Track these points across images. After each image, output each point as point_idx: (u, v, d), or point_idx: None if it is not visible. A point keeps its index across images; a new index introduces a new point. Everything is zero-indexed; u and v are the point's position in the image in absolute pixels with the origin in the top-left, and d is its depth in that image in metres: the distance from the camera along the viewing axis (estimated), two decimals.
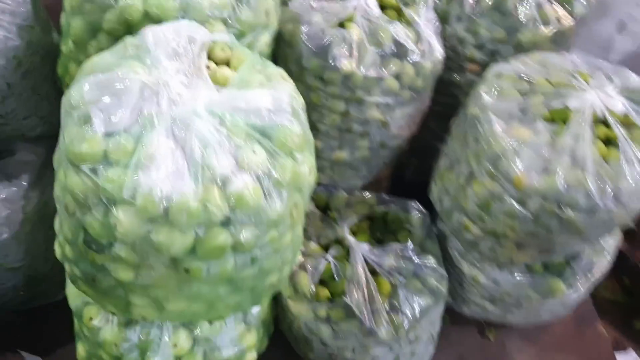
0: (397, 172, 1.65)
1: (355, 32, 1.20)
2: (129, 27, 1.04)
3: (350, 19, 1.22)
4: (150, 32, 0.93)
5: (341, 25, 1.22)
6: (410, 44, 1.22)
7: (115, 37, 1.06)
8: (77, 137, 0.85)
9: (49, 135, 1.42)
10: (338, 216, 1.39)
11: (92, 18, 1.07)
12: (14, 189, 1.27)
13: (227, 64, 1.00)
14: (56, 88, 1.31)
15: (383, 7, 1.30)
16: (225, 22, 1.08)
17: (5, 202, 1.25)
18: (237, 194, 0.84)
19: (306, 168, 0.93)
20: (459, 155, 1.29)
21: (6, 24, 1.17)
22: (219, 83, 0.93)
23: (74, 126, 0.86)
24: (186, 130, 0.85)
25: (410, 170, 1.68)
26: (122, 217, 0.83)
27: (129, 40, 0.93)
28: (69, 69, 1.19)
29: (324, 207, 1.44)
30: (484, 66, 1.40)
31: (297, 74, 1.25)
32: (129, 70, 0.87)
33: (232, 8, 1.08)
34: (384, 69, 1.21)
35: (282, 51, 1.27)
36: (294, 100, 0.95)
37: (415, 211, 1.44)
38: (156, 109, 0.86)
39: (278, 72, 0.99)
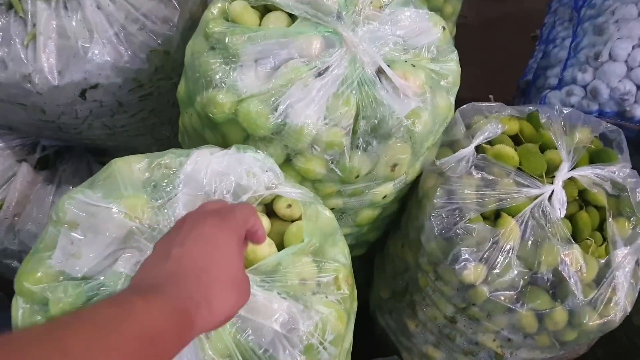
0: None
1: (510, 237, 0.83)
2: (213, 123, 0.82)
3: (514, 211, 0.86)
4: (193, 161, 0.70)
5: (497, 215, 0.86)
6: (577, 286, 0.83)
7: (203, 122, 0.86)
8: (35, 260, 0.67)
9: None
10: None
11: (190, 88, 0.87)
12: None
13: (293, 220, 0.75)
14: None
15: (586, 202, 0.91)
16: (326, 164, 0.81)
17: None
18: None
19: None
20: None
21: (139, 43, 1.03)
22: (246, 260, 0.68)
23: (43, 242, 0.68)
24: None
25: None
26: None
27: (168, 157, 0.72)
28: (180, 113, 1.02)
29: None
30: None
31: (412, 242, 0.93)
32: (129, 207, 0.66)
33: (343, 151, 0.79)
34: (523, 302, 0.84)
35: (412, 201, 0.95)
36: (321, 328, 0.66)
37: None
38: (130, 269, 0.64)
39: (337, 270, 0.71)
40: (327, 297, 0.69)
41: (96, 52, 1.00)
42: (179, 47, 1.09)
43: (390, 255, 1.03)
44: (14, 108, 1.07)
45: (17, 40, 0.99)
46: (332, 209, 0.89)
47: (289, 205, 0.74)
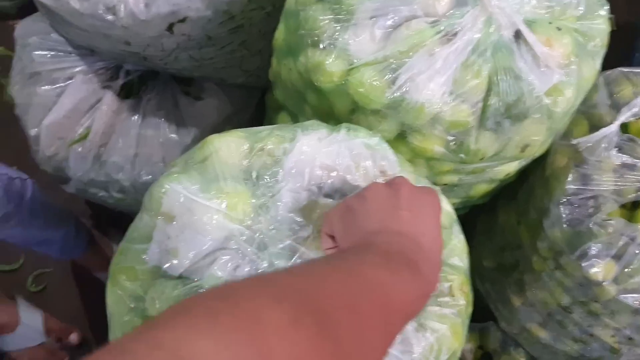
0: None
1: None
2: (318, 88, 0.72)
3: None
4: (299, 151, 0.61)
5: (635, 203, 0.75)
6: None
7: (306, 83, 0.75)
8: (130, 254, 0.62)
9: (252, 87, 1.21)
10: None
11: (292, 41, 0.76)
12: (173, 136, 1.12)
13: None
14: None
15: None
16: (446, 144, 0.70)
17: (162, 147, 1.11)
18: None
19: None
20: None
21: None
22: None
23: (137, 231, 0.62)
24: None
25: None
26: None
27: (271, 141, 0.63)
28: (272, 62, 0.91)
29: (485, 355, 1.06)
30: None
31: (531, 222, 0.83)
32: (230, 206, 0.58)
33: (468, 131, 0.68)
34: None
35: (536, 176, 0.84)
36: (437, 349, 0.60)
37: None
38: (228, 274, 0.58)
39: (451, 278, 0.63)
40: (441, 309, 0.62)
41: None
42: None
43: (500, 226, 0.93)
44: (97, 37, 0.99)
45: None
46: (444, 184, 0.80)
47: None
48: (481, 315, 1.05)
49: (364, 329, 0.37)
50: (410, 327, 0.59)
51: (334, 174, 0.60)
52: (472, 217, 1.06)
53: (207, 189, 0.60)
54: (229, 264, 0.58)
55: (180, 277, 0.59)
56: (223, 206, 0.58)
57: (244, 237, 0.58)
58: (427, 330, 0.59)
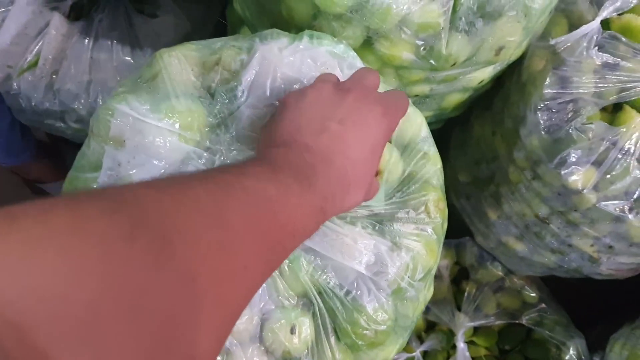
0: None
1: (633, 136, 0.69)
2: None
3: None
4: (258, 62, 0.56)
5: (617, 106, 0.71)
6: None
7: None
8: (79, 182, 0.57)
9: (211, 0, 1.13)
10: (468, 297, 1.01)
11: None
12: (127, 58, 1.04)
13: None
14: None
15: None
16: (416, 50, 0.65)
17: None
18: None
19: None
20: None
21: None
22: None
23: (85, 158, 0.58)
24: None
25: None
26: None
27: (226, 53, 0.57)
28: None
29: (461, 271, 1.05)
30: None
31: (508, 132, 0.80)
32: (184, 126, 0.53)
33: (439, 34, 0.63)
34: (636, 211, 0.72)
35: (512, 82, 0.80)
36: (412, 269, 0.57)
37: (578, 341, 1.01)
38: None
39: (425, 194, 0.59)
40: (417, 227, 0.59)
41: None
42: None
43: (475, 139, 0.90)
44: None
45: None
46: (415, 96, 0.76)
47: None
48: (457, 231, 1.04)
49: (232, 245, 0.32)
50: (384, 247, 0.56)
51: (297, 86, 0.55)
52: (446, 131, 1.02)
53: (157, 109, 0.54)
54: None
55: None
56: (176, 126, 0.53)
57: (203, 160, 0.54)
58: (402, 250, 0.57)
